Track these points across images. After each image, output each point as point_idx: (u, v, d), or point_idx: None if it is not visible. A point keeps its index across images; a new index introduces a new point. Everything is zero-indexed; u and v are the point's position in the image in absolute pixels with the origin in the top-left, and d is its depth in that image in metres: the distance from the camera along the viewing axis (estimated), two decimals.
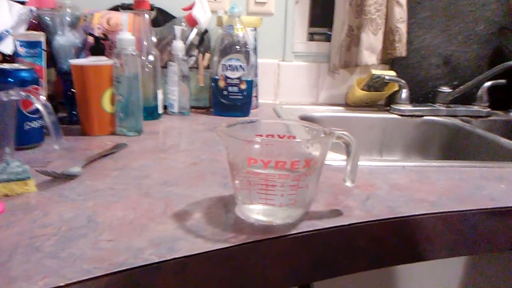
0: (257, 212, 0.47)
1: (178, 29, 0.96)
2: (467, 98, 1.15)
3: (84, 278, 0.35)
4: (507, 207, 0.54)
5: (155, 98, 0.93)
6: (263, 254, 0.44)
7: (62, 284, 0.34)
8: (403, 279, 0.65)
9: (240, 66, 0.97)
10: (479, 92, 1.14)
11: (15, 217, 0.45)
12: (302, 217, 0.48)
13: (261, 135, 0.49)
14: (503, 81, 1.10)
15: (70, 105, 0.86)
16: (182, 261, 0.39)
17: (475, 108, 1.14)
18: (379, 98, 1.18)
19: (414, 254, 0.52)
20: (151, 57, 0.91)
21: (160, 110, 0.96)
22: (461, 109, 1.13)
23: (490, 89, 1.13)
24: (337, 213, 0.50)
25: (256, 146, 0.44)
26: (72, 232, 0.42)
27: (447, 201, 0.54)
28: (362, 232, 0.48)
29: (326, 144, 0.46)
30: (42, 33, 0.77)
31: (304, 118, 1.06)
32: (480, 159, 0.92)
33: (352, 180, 0.50)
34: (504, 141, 0.89)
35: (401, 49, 1.13)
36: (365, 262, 0.50)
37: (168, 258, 0.39)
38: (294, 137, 0.50)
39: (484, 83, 1.12)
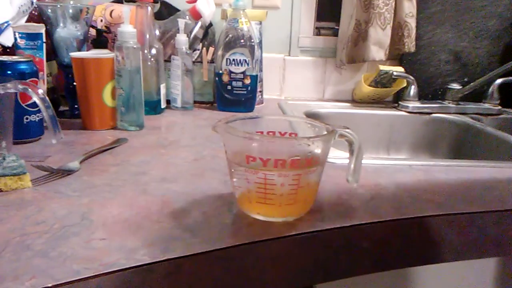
0: (256, 212, 0.45)
1: (182, 22, 0.94)
2: (477, 96, 1.12)
3: (73, 279, 0.34)
4: None
5: (158, 92, 0.92)
6: (261, 255, 0.42)
7: (49, 285, 0.33)
8: (409, 282, 0.63)
9: (245, 60, 0.95)
10: (490, 90, 1.11)
11: (7, 213, 0.44)
12: (302, 218, 0.46)
13: (261, 132, 0.47)
14: None
15: (71, 98, 0.85)
16: (177, 261, 0.38)
17: (486, 105, 1.10)
18: (386, 94, 1.15)
19: (419, 257, 0.50)
20: (153, 51, 0.89)
21: (163, 104, 0.94)
22: (471, 106, 1.10)
23: (501, 86, 1.10)
24: (339, 213, 0.48)
25: (255, 143, 0.43)
26: (64, 230, 0.41)
27: (455, 202, 0.52)
28: (365, 233, 0.47)
29: (328, 142, 0.44)
30: (42, 24, 0.75)
31: (310, 114, 1.04)
32: (490, 158, 0.89)
33: (356, 180, 0.49)
34: None
35: (409, 45, 1.10)
36: (368, 265, 0.48)
37: (162, 259, 0.37)
38: (296, 135, 0.48)
39: (495, 80, 1.09)
